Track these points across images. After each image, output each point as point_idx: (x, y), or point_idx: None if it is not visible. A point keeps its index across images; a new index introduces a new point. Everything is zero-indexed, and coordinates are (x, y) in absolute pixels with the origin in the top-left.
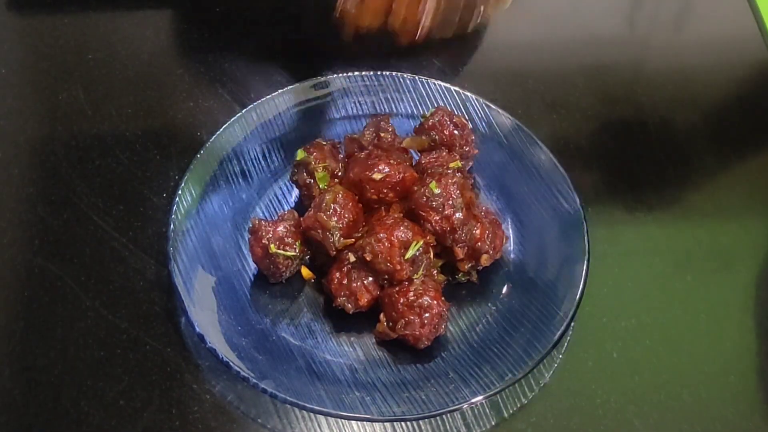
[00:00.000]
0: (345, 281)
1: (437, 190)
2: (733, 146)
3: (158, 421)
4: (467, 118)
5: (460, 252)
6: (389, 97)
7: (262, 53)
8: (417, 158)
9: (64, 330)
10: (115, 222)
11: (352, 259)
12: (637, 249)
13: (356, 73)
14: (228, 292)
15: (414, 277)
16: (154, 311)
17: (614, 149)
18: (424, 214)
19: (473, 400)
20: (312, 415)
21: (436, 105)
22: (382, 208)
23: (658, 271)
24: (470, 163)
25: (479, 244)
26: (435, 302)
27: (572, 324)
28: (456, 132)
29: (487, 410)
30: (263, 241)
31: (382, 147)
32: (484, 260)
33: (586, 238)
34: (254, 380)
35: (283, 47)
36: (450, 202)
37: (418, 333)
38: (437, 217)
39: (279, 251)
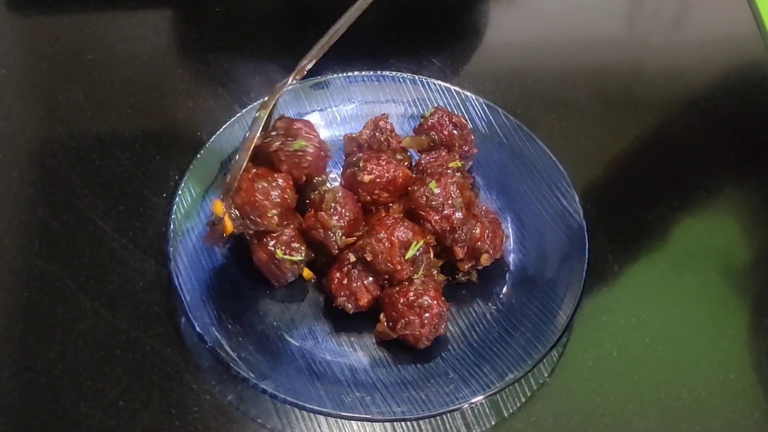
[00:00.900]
0: (345, 281)
1: (437, 190)
2: (733, 145)
3: (158, 421)
4: (467, 117)
5: (460, 252)
6: (389, 96)
7: (262, 53)
8: (417, 158)
9: (64, 331)
10: (114, 222)
11: (353, 259)
12: (636, 247)
13: (356, 72)
14: (228, 293)
15: (414, 277)
16: (154, 312)
17: (613, 149)
18: (423, 213)
19: (473, 400)
20: (312, 415)
21: (435, 105)
22: (381, 208)
23: (658, 269)
24: (470, 163)
25: (479, 243)
26: (435, 302)
27: (572, 323)
28: (455, 132)
29: (487, 410)
30: (269, 247)
31: (373, 147)
32: (484, 260)
33: (586, 237)
34: (254, 380)
35: (283, 47)
36: (450, 202)
37: (418, 333)
38: (437, 217)
39: (286, 257)
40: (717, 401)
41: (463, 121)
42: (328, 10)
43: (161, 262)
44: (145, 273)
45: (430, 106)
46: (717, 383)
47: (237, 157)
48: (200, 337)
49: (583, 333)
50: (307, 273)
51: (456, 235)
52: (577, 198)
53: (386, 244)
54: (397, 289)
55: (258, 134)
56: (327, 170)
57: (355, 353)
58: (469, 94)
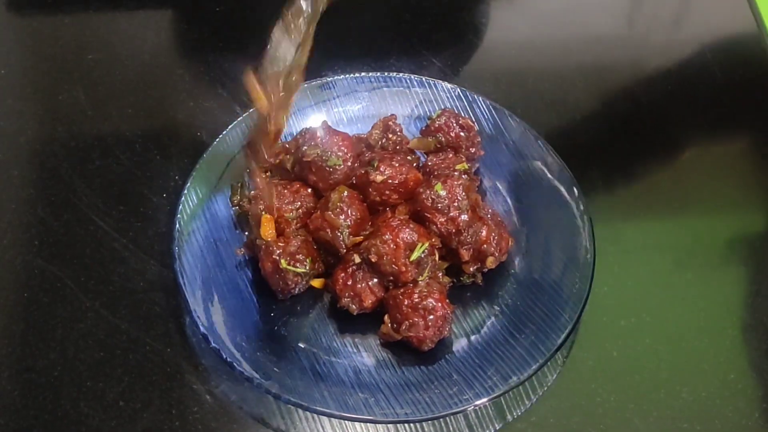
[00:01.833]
0: (350, 282)
1: (443, 192)
2: (732, 144)
3: (158, 421)
4: (474, 119)
5: (465, 254)
6: (396, 98)
7: (262, 53)
8: (424, 160)
9: (64, 331)
10: (115, 223)
11: (358, 260)
12: (637, 247)
13: (363, 74)
14: (232, 293)
15: (419, 279)
16: (155, 312)
17: (614, 148)
18: (429, 215)
19: (477, 403)
20: (315, 416)
21: (442, 106)
22: (388, 209)
23: (658, 269)
24: (476, 165)
25: (485, 246)
26: (439, 304)
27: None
28: (462, 134)
29: (491, 412)
30: (273, 257)
31: (386, 148)
32: (490, 263)
33: (592, 240)
34: (258, 381)
35: None
36: (455, 204)
37: (422, 335)
38: (443, 219)
39: (290, 267)
40: (717, 401)
41: (470, 123)
42: (328, 10)
43: (162, 262)
44: (146, 273)
45: (437, 108)
46: (717, 383)
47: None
48: (204, 337)
49: (584, 333)
50: (317, 282)
51: (461, 238)
52: (583, 202)
53: (391, 245)
54: (402, 290)
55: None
56: None
57: (359, 354)
58: (476, 95)
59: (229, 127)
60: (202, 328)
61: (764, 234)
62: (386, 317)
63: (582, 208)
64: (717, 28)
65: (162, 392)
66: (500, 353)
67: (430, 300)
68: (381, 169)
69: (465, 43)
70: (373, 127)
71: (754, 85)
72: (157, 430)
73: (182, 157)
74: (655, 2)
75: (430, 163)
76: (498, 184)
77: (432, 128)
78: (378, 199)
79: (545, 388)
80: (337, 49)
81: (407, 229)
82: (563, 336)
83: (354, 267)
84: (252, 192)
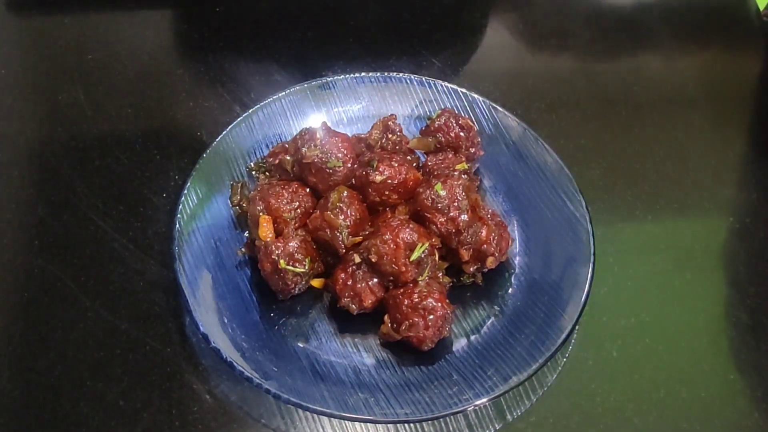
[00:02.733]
0: (350, 282)
1: (443, 192)
2: (732, 145)
3: (158, 421)
4: (474, 119)
5: (465, 254)
6: (396, 98)
7: (262, 53)
8: (423, 160)
9: (64, 331)
10: (115, 222)
11: (358, 260)
12: (636, 248)
13: (363, 74)
14: (232, 293)
15: (419, 279)
16: (154, 312)
17: (613, 149)
18: (429, 215)
19: (477, 403)
20: (315, 415)
21: (442, 106)
22: (387, 209)
23: (658, 269)
24: (476, 165)
25: (485, 246)
26: (439, 304)
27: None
28: (462, 134)
29: (491, 412)
30: (272, 257)
31: (386, 148)
32: (490, 263)
33: (591, 241)
34: (258, 380)
35: (283, 47)
36: (455, 204)
37: (422, 335)
38: (442, 219)
39: (289, 267)
40: (717, 401)
41: (470, 123)
42: (328, 10)
43: (161, 262)
44: (146, 273)
45: (437, 108)
46: (717, 383)
47: None
48: (204, 337)
49: (583, 333)
50: (317, 282)
51: (461, 238)
52: (582, 201)
53: (391, 245)
54: (402, 290)
55: None
56: None
57: (359, 354)
58: (476, 95)
59: (229, 127)
60: (202, 328)
61: (763, 234)
62: (386, 317)
63: (582, 208)
64: (717, 27)
65: (162, 392)
66: (500, 353)
67: (430, 300)
68: (380, 169)
69: (465, 43)
70: (373, 127)
71: (754, 85)
72: (157, 430)
73: (182, 157)
74: (655, 2)
75: (429, 163)
76: (498, 184)
77: (432, 128)
78: (378, 199)
79: (545, 388)
80: (337, 49)
81: (407, 229)
82: (563, 336)
83: (354, 267)
84: (251, 192)
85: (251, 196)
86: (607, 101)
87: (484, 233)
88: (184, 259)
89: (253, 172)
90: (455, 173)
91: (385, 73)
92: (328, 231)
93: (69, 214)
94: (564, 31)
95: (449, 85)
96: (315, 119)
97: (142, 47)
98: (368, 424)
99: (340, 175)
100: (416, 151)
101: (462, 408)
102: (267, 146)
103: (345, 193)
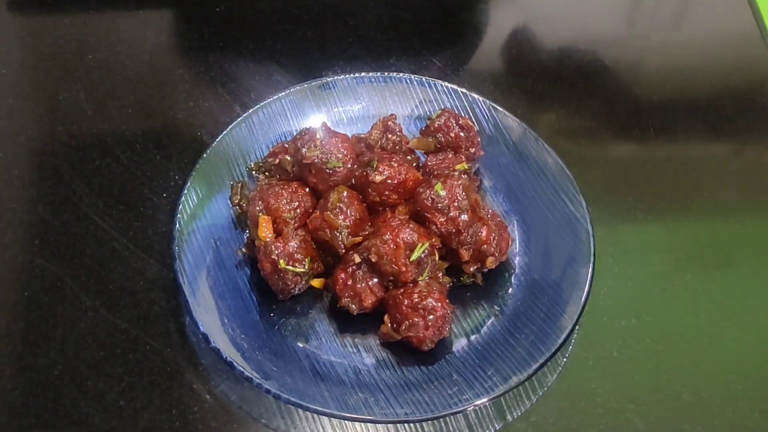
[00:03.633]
0: (350, 282)
1: (443, 192)
2: (732, 145)
3: (158, 421)
4: (474, 119)
5: (465, 254)
6: (396, 98)
7: (262, 53)
8: (423, 160)
9: (64, 330)
10: (115, 222)
11: (358, 260)
12: (637, 248)
13: (363, 74)
14: (232, 293)
15: (419, 279)
16: (155, 311)
17: (614, 148)
18: (429, 215)
19: (477, 403)
20: (315, 415)
21: (442, 106)
22: (387, 209)
23: (658, 270)
24: (476, 165)
25: (485, 246)
26: (439, 304)
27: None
28: (462, 134)
29: (491, 412)
30: (272, 257)
31: (386, 148)
32: (490, 263)
33: (591, 241)
34: (258, 380)
35: (284, 47)
36: (455, 204)
37: (422, 335)
38: (443, 219)
39: (289, 267)
40: (717, 402)
41: (470, 123)
42: (328, 10)
43: (162, 262)
44: (146, 272)
45: (437, 108)
46: (717, 384)
47: None
48: (204, 337)
49: (584, 333)
50: (317, 282)
51: (461, 238)
52: (583, 201)
53: (391, 245)
54: (402, 290)
55: None
56: None
57: (359, 354)
58: (476, 95)
59: (229, 127)
60: (202, 328)
61: (763, 235)
62: (386, 317)
63: (582, 208)
64: (717, 28)
65: (162, 392)
66: (500, 353)
67: (430, 300)
68: (380, 169)
69: (465, 43)
70: (372, 127)
71: (754, 86)
72: (157, 430)
73: (182, 157)
74: (654, 3)
75: (429, 163)
76: (498, 185)
77: (432, 128)
78: (377, 199)
79: (545, 388)
80: (337, 49)
81: (407, 229)
82: (563, 336)
83: (354, 267)
84: (251, 192)
85: (251, 196)
86: (606, 101)
87: (484, 233)
88: (184, 258)
89: (253, 172)
90: (455, 173)
91: (385, 73)
92: (327, 231)
93: (69, 214)
94: (564, 30)
95: (449, 85)
96: (315, 119)
97: (142, 47)
98: (368, 424)
99: (339, 175)
100: (416, 151)
101: (462, 408)
102: (267, 146)
103: (345, 194)
